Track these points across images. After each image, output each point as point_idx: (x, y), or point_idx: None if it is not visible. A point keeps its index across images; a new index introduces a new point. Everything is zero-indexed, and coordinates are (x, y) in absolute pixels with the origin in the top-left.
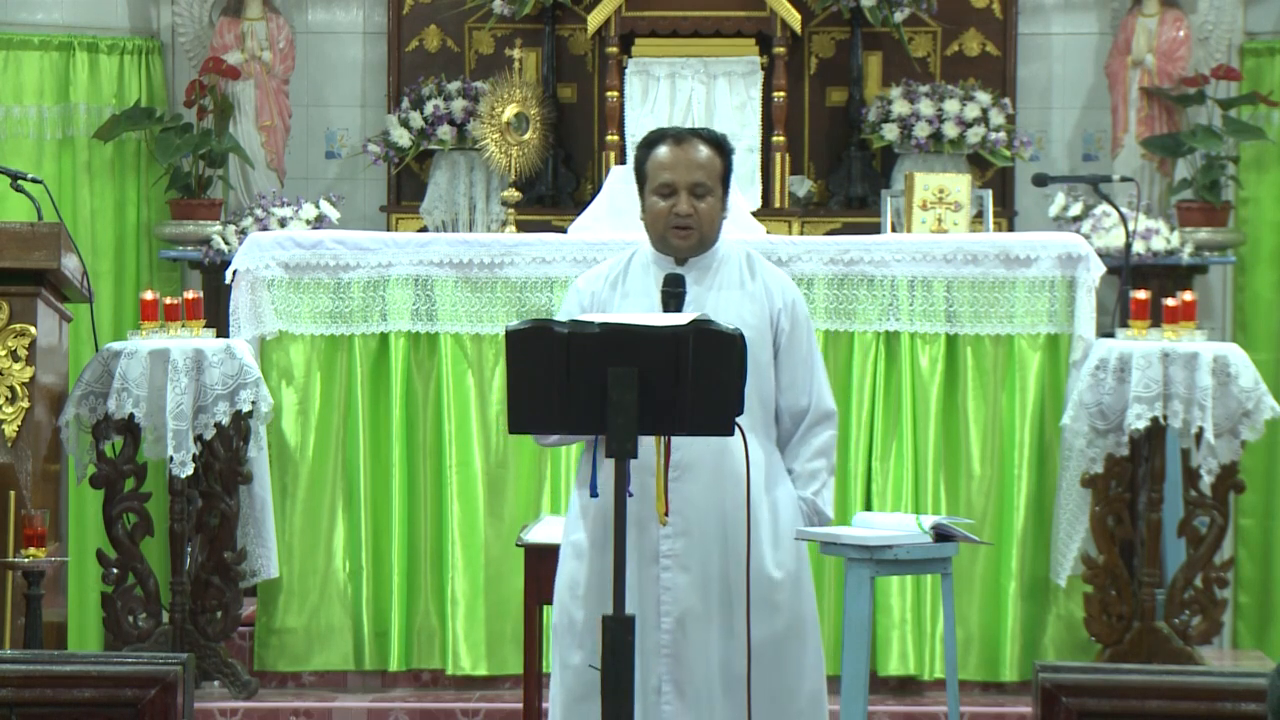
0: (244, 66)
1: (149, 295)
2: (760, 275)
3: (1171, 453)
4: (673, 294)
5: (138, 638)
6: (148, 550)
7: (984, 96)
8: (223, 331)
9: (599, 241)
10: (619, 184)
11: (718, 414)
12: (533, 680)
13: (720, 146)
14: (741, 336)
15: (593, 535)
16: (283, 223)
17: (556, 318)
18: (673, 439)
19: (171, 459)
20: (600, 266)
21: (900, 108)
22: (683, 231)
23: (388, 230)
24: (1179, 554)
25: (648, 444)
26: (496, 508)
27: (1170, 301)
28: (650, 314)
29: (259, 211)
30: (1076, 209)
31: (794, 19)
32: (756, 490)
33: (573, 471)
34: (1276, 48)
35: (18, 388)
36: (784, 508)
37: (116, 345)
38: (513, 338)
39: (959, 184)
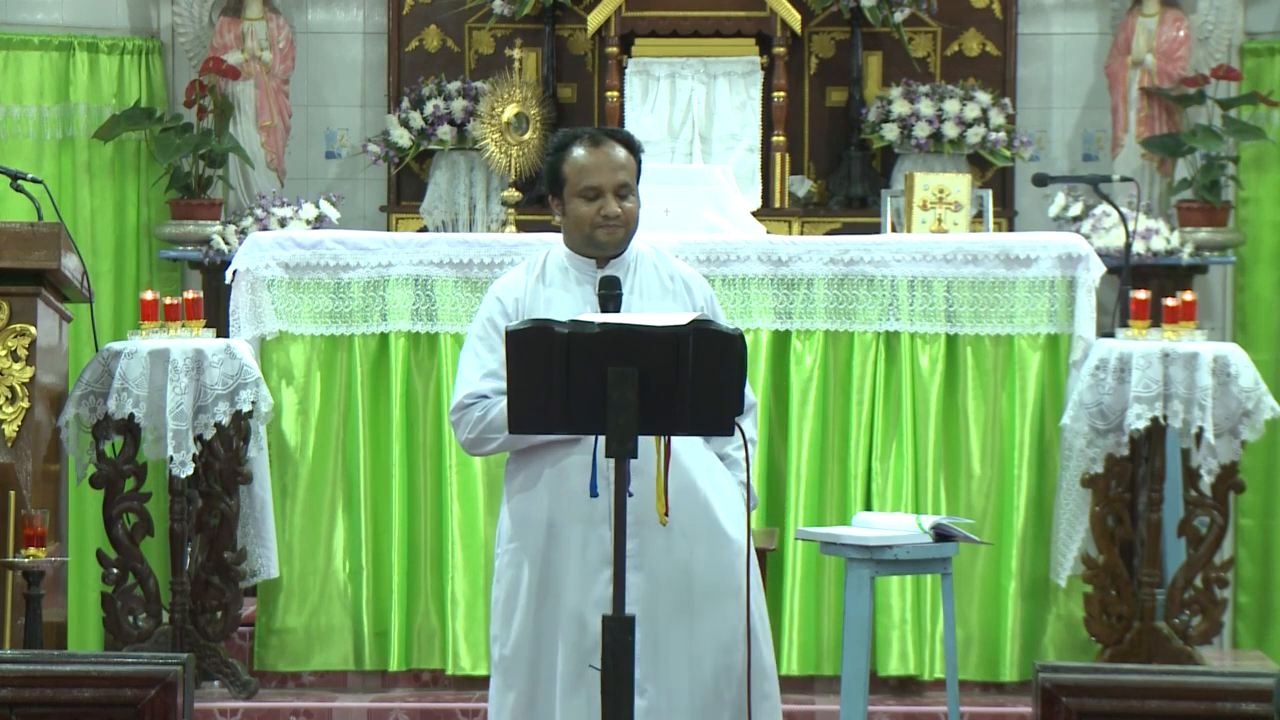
0: (244, 66)
1: (149, 295)
2: (678, 275)
3: (1171, 453)
4: (611, 296)
5: (138, 638)
6: (148, 550)
7: (984, 96)
8: (223, 331)
9: None
10: None
11: (717, 414)
12: None
13: (633, 146)
14: (741, 337)
15: (531, 542)
16: (283, 223)
17: (474, 325)
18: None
19: (171, 459)
20: (514, 272)
21: (900, 108)
22: (611, 231)
23: (388, 230)
24: (1179, 554)
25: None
26: (496, 508)
27: (1170, 301)
28: (664, 314)
29: (259, 211)
30: (1076, 209)
31: (794, 19)
32: (704, 483)
33: None
34: (1276, 48)
35: (18, 388)
36: (729, 494)
37: (116, 345)
38: (513, 338)
39: (959, 184)
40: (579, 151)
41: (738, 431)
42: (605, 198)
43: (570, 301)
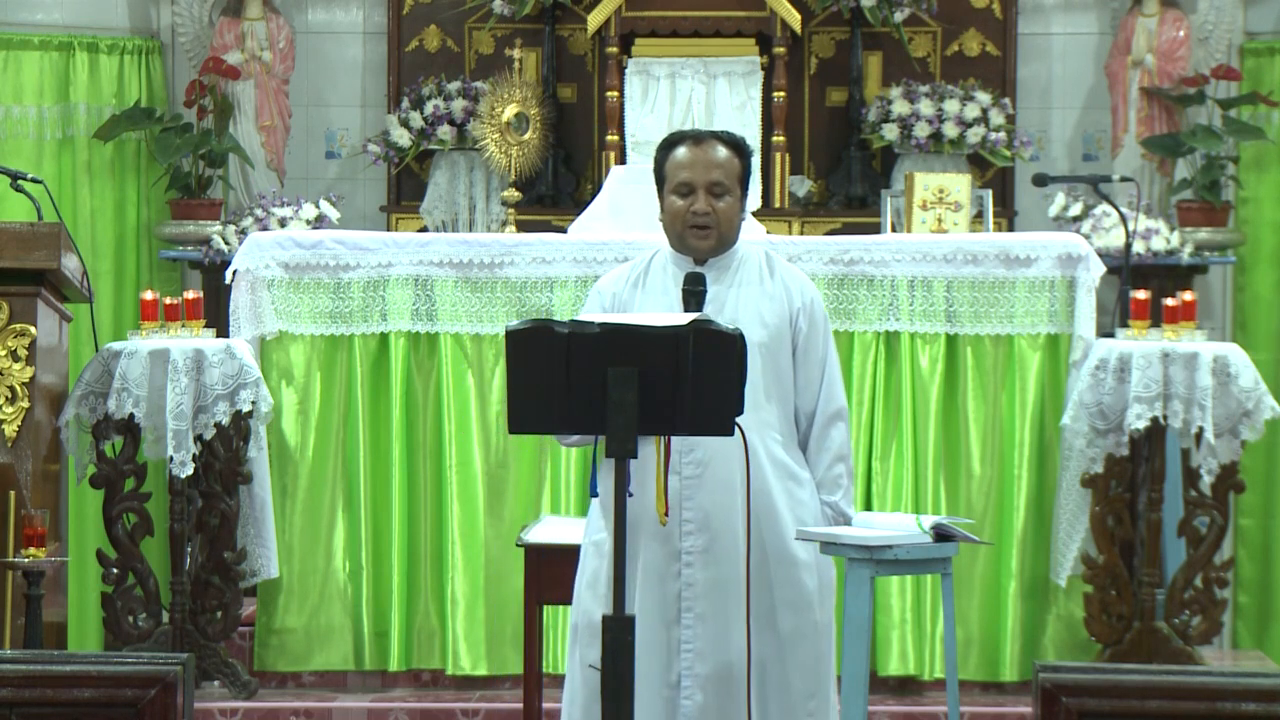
0: (244, 66)
1: (149, 295)
2: (779, 275)
3: (1171, 453)
4: (693, 292)
5: (138, 638)
6: (148, 550)
7: (984, 96)
8: (223, 331)
9: (599, 241)
10: (619, 184)
11: (717, 414)
12: (532, 680)
13: (739, 148)
14: (741, 337)
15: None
16: (283, 223)
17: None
18: (690, 438)
19: (171, 459)
20: (622, 267)
21: (900, 108)
22: (701, 231)
23: (388, 230)
24: (1179, 554)
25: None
26: (496, 508)
27: (1170, 301)
28: (664, 314)
29: (259, 211)
30: (1076, 209)
31: (794, 19)
32: (775, 490)
33: (574, 472)
34: (1276, 48)
35: (18, 388)
36: (808, 511)
37: (116, 345)
38: (513, 338)
39: (959, 184)
40: (680, 149)
41: (830, 454)
42: (697, 194)
43: (662, 300)
